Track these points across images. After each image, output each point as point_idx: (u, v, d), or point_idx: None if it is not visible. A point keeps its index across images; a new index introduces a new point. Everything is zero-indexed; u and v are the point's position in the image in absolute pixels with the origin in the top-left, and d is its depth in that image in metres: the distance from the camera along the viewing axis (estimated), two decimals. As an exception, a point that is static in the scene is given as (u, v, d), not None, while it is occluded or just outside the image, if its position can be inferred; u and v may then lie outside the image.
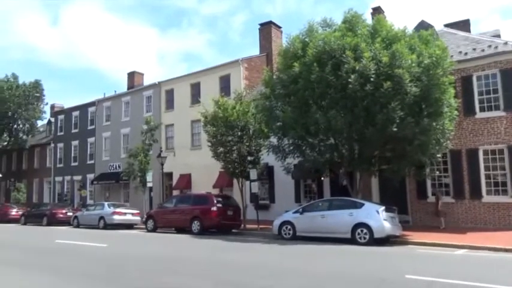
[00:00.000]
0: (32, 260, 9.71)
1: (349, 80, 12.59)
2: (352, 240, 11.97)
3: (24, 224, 24.60)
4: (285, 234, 13.48)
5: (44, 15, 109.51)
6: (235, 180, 20.23)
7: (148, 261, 9.35)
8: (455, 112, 14.39)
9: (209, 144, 18.44)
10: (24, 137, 38.58)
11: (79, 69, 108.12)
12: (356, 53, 13.10)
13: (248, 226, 17.68)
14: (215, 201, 16.17)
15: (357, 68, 12.67)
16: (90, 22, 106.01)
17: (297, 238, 13.15)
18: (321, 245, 11.80)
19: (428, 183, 17.00)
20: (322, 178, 19.56)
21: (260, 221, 17.40)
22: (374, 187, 18.36)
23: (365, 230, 11.86)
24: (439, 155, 15.08)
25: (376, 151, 14.35)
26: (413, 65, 12.97)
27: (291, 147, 15.47)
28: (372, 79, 12.59)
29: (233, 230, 16.90)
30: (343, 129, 13.32)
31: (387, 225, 11.93)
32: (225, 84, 25.10)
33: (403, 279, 6.81)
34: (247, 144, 17.96)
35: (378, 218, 11.91)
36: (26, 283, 6.98)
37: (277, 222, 13.93)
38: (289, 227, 13.47)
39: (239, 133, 17.88)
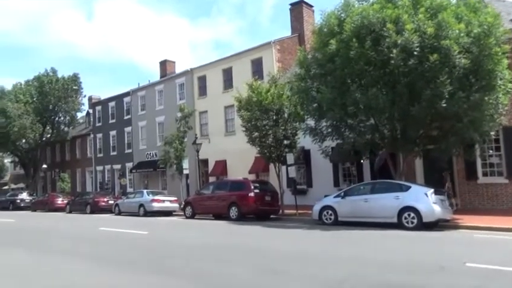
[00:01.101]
0: (78, 248, 9.87)
1: (391, 55, 11.76)
2: (398, 225, 11.34)
3: (70, 212, 25.56)
4: (326, 219, 13.01)
5: (80, 11, 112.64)
6: (271, 165, 19.89)
7: (189, 248, 9.24)
8: (510, 85, 13.19)
9: (244, 129, 18.12)
10: (66, 129, 40.02)
11: (114, 62, 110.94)
12: (397, 26, 12.20)
13: (286, 211, 17.35)
14: (252, 187, 15.92)
15: (399, 41, 11.78)
16: (123, 15, 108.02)
17: (338, 223, 12.66)
18: (366, 230, 11.26)
19: (479, 162, 15.89)
20: (362, 161, 18.83)
21: (298, 206, 17.01)
22: (418, 169, 17.45)
23: (413, 214, 11.17)
24: (492, 132, 13.99)
25: (421, 130, 13.50)
26: (462, 35, 11.90)
27: (329, 129, 14.90)
28: (415, 53, 11.69)
29: (271, 216, 16.62)
30: (385, 108, 12.56)
31: (437, 208, 11.18)
32: (257, 68, 24.59)
33: (464, 268, 6.23)
34: (282, 127, 17.51)
35: (427, 201, 11.18)
36: (70, 270, 7.00)
37: (317, 207, 13.47)
38: (330, 211, 12.99)
39: (274, 117, 17.43)
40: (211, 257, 8.00)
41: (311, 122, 15.56)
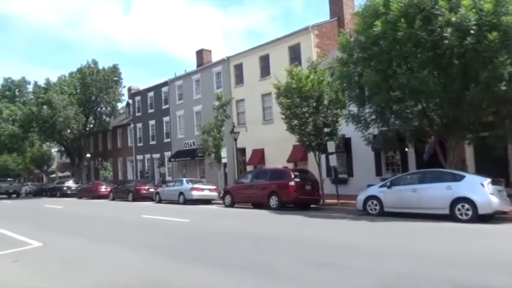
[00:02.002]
0: (122, 235, 9.99)
1: (445, 34, 10.95)
2: (451, 217, 10.63)
3: (113, 199, 26.36)
4: (371, 209, 12.48)
5: (117, 4, 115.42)
6: (310, 154, 19.47)
7: (232, 238, 9.09)
8: None
9: (283, 117, 17.76)
10: (107, 119, 41.25)
11: (150, 53, 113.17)
12: (451, 3, 11.38)
13: (327, 201, 16.93)
14: (293, 176, 15.59)
15: (453, 19, 10.95)
16: (158, 7, 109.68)
17: (384, 214, 12.09)
18: (415, 221, 10.67)
19: (539, 151, 14.69)
20: (407, 149, 17.97)
21: (338, 195, 16.53)
22: (469, 157, 16.40)
23: (467, 206, 10.43)
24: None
25: (475, 115, 12.58)
26: (525, 10, 10.90)
27: (373, 116, 14.24)
28: (472, 31, 10.81)
29: (311, 206, 16.27)
30: (436, 92, 11.77)
31: (494, 199, 10.37)
32: (295, 54, 24.00)
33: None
34: (322, 115, 16.99)
35: (483, 191, 10.39)
36: (117, 258, 7.04)
37: (361, 197, 12.96)
38: (375, 202, 12.44)
39: (314, 104, 16.92)
40: (256, 247, 7.79)
41: (353, 109, 14.95)
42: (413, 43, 11.73)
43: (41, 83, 39.19)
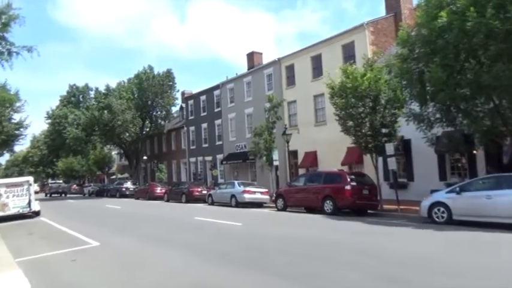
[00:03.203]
0: (176, 237, 10.00)
1: (522, 22, 9.79)
2: (533, 227, 9.43)
3: (167, 200, 27.03)
4: (438, 217, 11.43)
5: (174, 15, 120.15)
6: (365, 157, 18.53)
7: (287, 244, 8.69)
8: None
9: (337, 118, 17.02)
10: (162, 122, 42.70)
11: (203, 58, 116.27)
12: (529, -13, 10.14)
13: (385, 206, 15.94)
14: (349, 179, 14.83)
15: (533, 5, 9.77)
16: (212, 16, 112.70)
17: (452, 222, 11.00)
18: (490, 231, 9.55)
19: None
20: (475, 151, 16.47)
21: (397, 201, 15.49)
22: (549, 160, 14.63)
23: (554, 215, 9.19)
24: None
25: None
26: None
27: (438, 115, 13.16)
28: (556, 17, 9.56)
29: (369, 211, 15.39)
30: (513, 87, 10.56)
31: None
32: (349, 53, 23.10)
33: None
34: (380, 115, 16.05)
35: None
36: (170, 261, 6.92)
37: (426, 203, 11.93)
38: (442, 209, 11.38)
39: (370, 103, 16.02)
40: (314, 255, 7.31)
41: (414, 107, 13.94)
42: (484, 34, 10.64)
43: (102, 89, 41.52)
